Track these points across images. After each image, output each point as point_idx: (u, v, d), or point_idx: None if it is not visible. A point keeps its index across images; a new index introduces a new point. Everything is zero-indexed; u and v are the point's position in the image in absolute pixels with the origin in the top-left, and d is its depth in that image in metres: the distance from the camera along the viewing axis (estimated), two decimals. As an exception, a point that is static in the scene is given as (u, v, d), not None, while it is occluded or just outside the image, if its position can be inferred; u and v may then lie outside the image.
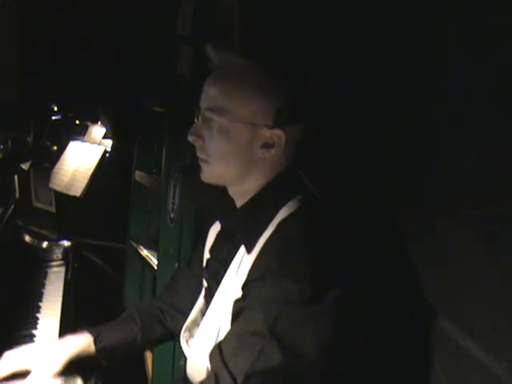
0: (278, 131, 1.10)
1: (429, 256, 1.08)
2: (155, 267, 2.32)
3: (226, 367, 1.01)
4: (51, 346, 1.34)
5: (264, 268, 1.04)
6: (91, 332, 1.35)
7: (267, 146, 1.12)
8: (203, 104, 1.14)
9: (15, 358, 1.30)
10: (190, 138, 1.15)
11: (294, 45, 1.58)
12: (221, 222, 1.27)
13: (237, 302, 1.08)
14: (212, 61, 1.16)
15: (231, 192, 1.20)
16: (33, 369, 1.27)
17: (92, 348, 1.34)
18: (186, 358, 1.26)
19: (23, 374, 1.26)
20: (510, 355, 0.86)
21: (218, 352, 1.04)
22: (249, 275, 1.08)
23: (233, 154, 1.12)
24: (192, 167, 1.24)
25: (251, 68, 1.11)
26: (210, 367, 1.08)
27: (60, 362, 1.28)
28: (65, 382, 1.25)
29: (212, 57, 1.16)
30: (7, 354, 1.31)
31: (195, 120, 1.16)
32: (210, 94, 1.12)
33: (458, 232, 0.99)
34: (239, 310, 1.05)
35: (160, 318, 1.43)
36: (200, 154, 1.16)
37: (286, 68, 1.17)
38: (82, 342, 1.33)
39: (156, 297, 1.54)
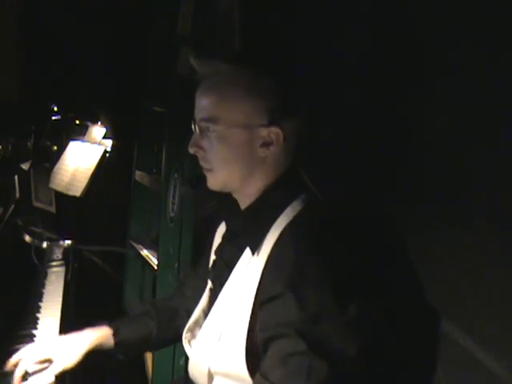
0: (274, 128, 1.11)
1: (429, 256, 1.08)
2: (155, 267, 2.33)
3: None
4: (71, 337, 1.35)
5: (284, 281, 1.03)
6: (110, 325, 1.36)
7: (266, 144, 1.12)
8: (197, 115, 1.15)
9: (36, 349, 1.31)
10: (191, 150, 1.17)
11: (293, 43, 1.59)
12: (226, 223, 1.28)
13: (263, 330, 1.06)
14: (198, 72, 1.17)
15: (236, 195, 1.21)
16: (54, 359, 1.28)
17: (111, 341, 1.34)
18: (186, 358, 1.26)
19: (44, 364, 1.28)
20: (510, 355, 0.86)
21: (266, 381, 1.02)
22: (265, 285, 1.07)
23: (234, 159, 1.13)
24: (198, 178, 1.25)
25: (236, 72, 1.12)
26: None
27: (79, 353, 1.29)
28: None
29: (197, 68, 1.17)
30: (28, 347, 1.32)
31: (193, 131, 1.17)
32: (202, 104, 1.14)
33: (458, 232, 0.99)
34: (272, 337, 1.03)
35: (174, 317, 1.43)
36: (203, 164, 1.17)
37: (271, 66, 1.18)
38: (101, 334, 1.34)
39: (168, 297, 1.55)
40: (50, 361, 1.29)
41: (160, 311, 1.43)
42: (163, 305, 1.46)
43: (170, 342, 1.51)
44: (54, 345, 1.32)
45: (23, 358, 1.28)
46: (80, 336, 1.34)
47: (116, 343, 1.35)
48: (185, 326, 1.39)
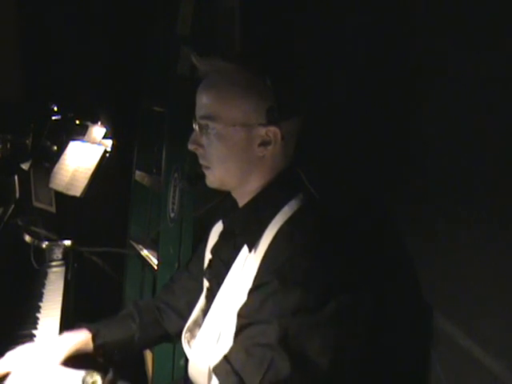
0: (272, 128, 1.11)
1: (429, 256, 1.08)
2: (155, 267, 2.32)
3: (238, 375, 1.01)
4: (50, 343, 1.35)
5: (272, 272, 1.04)
6: (90, 329, 1.36)
7: (264, 143, 1.13)
8: (198, 112, 1.16)
9: (15, 357, 1.30)
10: (190, 147, 1.18)
11: (293, 43, 1.59)
12: (223, 222, 1.28)
13: (240, 316, 1.07)
14: (199, 69, 1.17)
15: (234, 193, 1.21)
16: (33, 366, 1.27)
17: (90, 345, 1.34)
18: (186, 359, 1.26)
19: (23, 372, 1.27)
20: (510, 355, 0.86)
21: (227, 363, 1.03)
22: (256, 279, 1.07)
23: (232, 157, 1.13)
24: (197, 176, 1.26)
25: (236, 71, 1.13)
26: (217, 380, 1.07)
27: (59, 359, 1.29)
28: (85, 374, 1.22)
29: (197, 65, 1.17)
30: (8, 354, 1.31)
31: (194, 128, 1.18)
32: (202, 101, 1.15)
33: (458, 232, 0.99)
34: (246, 324, 1.05)
35: (157, 318, 1.43)
36: (202, 161, 1.18)
37: (271, 66, 1.18)
38: (80, 338, 1.34)
39: (155, 296, 1.55)
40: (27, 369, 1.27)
41: (143, 312, 1.43)
42: (147, 305, 1.46)
43: (155, 342, 1.51)
44: (32, 352, 1.31)
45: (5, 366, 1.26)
46: (59, 341, 1.34)
47: (95, 347, 1.35)
48: (173, 324, 1.40)
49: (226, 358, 1.05)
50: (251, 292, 1.07)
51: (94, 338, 1.35)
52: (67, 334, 1.36)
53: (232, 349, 1.06)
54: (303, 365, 1.00)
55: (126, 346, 1.40)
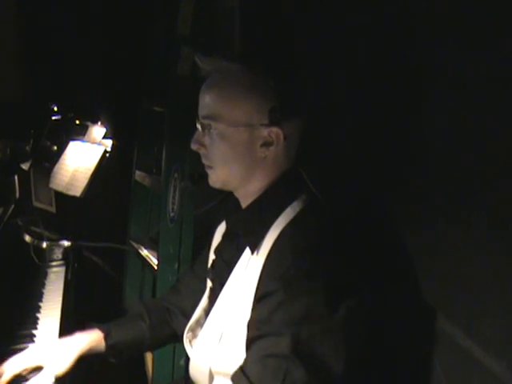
0: (275, 129, 1.11)
1: (429, 256, 1.08)
2: (155, 267, 2.33)
3: None
4: (62, 342, 1.35)
5: (278, 280, 1.04)
6: (101, 329, 1.36)
7: (266, 144, 1.13)
8: (201, 112, 1.16)
9: (27, 356, 1.31)
10: (193, 147, 1.18)
11: (293, 43, 1.59)
12: (227, 223, 1.28)
13: (251, 328, 1.07)
14: (201, 69, 1.17)
15: (237, 194, 1.21)
16: (44, 365, 1.28)
17: (102, 345, 1.34)
18: (187, 358, 1.26)
19: (35, 371, 1.28)
20: (510, 355, 0.86)
21: (244, 375, 1.04)
22: (261, 283, 1.07)
23: (234, 158, 1.13)
24: (200, 175, 1.26)
25: (239, 71, 1.13)
26: None
27: (71, 359, 1.30)
28: None
29: (200, 65, 1.17)
30: (20, 354, 1.31)
31: (197, 128, 1.18)
32: (205, 101, 1.15)
33: (458, 232, 0.99)
34: (257, 336, 1.04)
35: (166, 318, 1.43)
36: (205, 161, 1.18)
37: (274, 67, 1.18)
38: (92, 338, 1.34)
39: (161, 296, 1.55)
40: (40, 368, 1.28)
41: (152, 313, 1.43)
42: (155, 305, 1.46)
43: (164, 342, 1.51)
44: (44, 352, 1.31)
45: (9, 368, 1.27)
46: (71, 341, 1.34)
47: (107, 347, 1.35)
48: (180, 325, 1.40)
49: (242, 370, 1.05)
50: (258, 302, 1.07)
51: (105, 338, 1.35)
52: (79, 334, 1.35)
53: (247, 361, 1.06)
54: (318, 371, 1.00)
55: (136, 346, 1.40)
